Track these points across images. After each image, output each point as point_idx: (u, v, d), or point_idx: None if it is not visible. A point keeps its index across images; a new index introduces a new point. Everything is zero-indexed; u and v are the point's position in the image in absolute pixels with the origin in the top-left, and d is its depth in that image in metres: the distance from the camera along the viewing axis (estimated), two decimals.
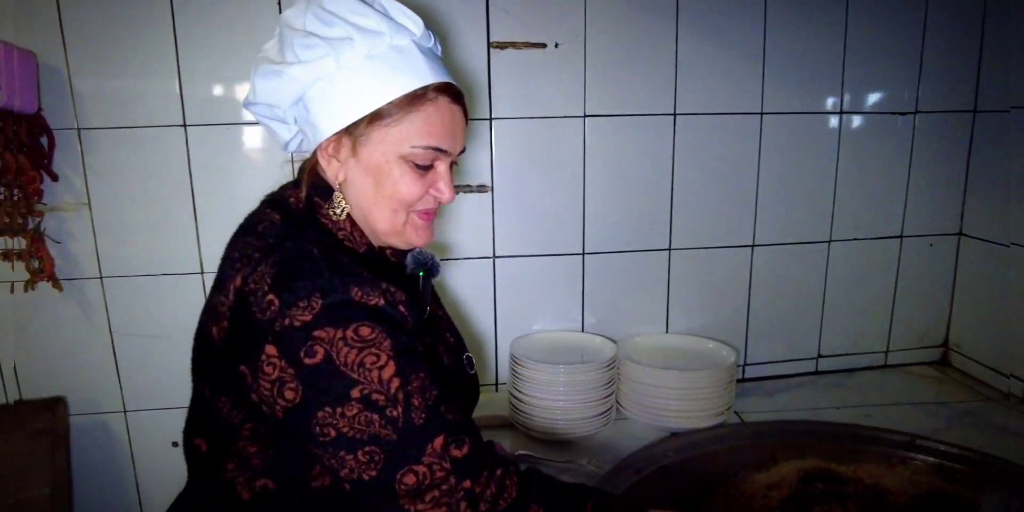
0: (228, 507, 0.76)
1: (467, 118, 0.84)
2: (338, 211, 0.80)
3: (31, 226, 1.28)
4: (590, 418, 1.29)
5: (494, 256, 1.45)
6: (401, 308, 0.74)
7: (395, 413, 0.67)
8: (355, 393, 0.66)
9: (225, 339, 0.73)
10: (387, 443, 0.66)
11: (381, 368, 0.67)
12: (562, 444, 1.27)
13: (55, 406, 1.33)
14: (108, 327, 1.36)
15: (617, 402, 1.38)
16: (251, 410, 0.72)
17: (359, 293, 0.70)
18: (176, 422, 0.85)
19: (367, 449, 0.66)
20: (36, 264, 1.29)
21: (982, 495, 1.07)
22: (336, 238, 0.80)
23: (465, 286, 1.45)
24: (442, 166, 0.82)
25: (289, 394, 0.68)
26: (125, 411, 1.39)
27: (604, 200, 1.45)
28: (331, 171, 0.81)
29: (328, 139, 0.79)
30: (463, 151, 0.85)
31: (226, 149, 1.33)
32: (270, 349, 0.68)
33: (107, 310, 1.35)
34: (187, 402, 0.84)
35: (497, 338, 1.48)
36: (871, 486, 1.13)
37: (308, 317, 0.67)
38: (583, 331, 1.50)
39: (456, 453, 0.68)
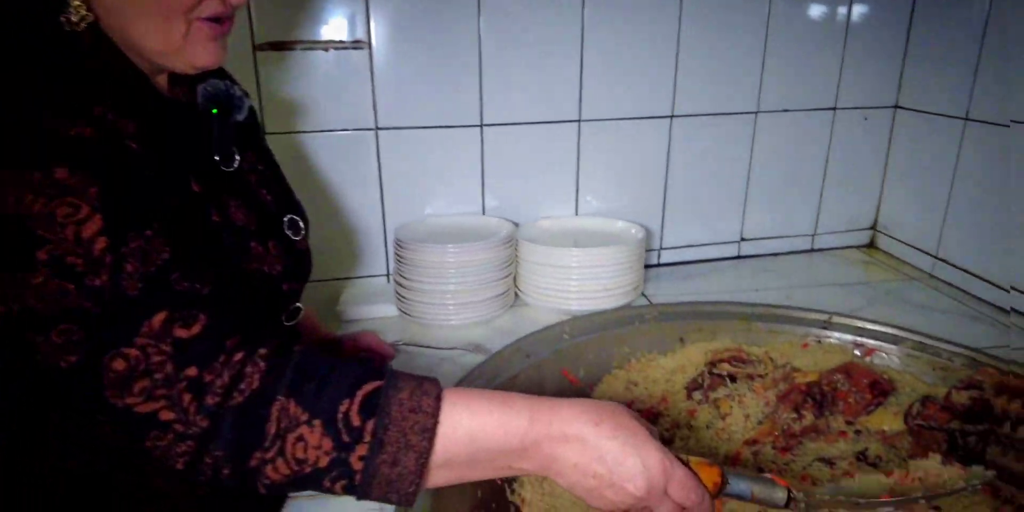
0: None
1: None
2: (75, 19, 0.58)
3: None
4: (483, 302, 1.16)
5: (376, 128, 1.25)
6: (133, 144, 0.56)
7: (98, 282, 0.50)
8: (42, 255, 0.50)
9: None
10: (88, 319, 0.50)
11: (80, 223, 0.50)
12: (454, 331, 1.15)
13: None
14: None
15: (516, 287, 1.25)
16: None
17: (53, 119, 0.51)
18: None
19: (62, 327, 0.50)
20: None
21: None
22: (74, 55, 0.59)
23: (342, 165, 1.26)
24: None
25: None
26: None
27: (505, 63, 1.25)
28: None
29: None
30: None
31: None
32: None
33: None
34: None
35: (386, 225, 1.31)
36: (781, 366, 1.04)
37: None
38: (484, 215, 1.35)
39: (181, 333, 0.52)
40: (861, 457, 0.81)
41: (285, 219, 0.76)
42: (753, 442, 0.88)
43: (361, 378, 0.54)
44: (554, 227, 1.32)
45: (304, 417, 0.52)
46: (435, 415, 0.53)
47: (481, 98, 1.27)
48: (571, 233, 1.29)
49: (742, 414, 0.94)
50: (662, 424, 0.94)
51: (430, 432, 0.53)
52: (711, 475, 0.59)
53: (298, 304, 0.79)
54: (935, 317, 1.20)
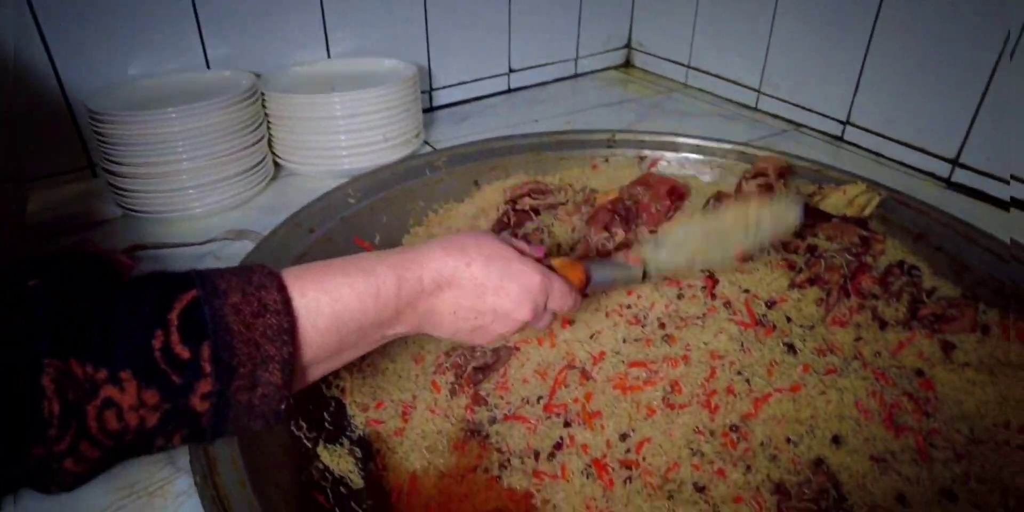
0: None
1: None
2: None
3: None
4: (234, 179, 0.94)
5: None
6: None
7: None
8: None
9: None
10: None
11: None
12: (203, 222, 0.92)
13: None
14: None
15: (273, 153, 1.03)
16: None
17: None
18: None
19: None
20: None
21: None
22: None
23: None
24: None
25: None
26: None
27: None
28: None
29: None
30: None
31: None
32: None
33: None
34: None
35: (66, 94, 0.97)
36: (580, 191, 1.02)
37: None
38: (209, 68, 1.06)
39: None
40: None
41: None
42: None
43: (163, 294, 0.36)
44: (308, 74, 1.09)
45: (102, 375, 0.33)
46: (288, 312, 0.40)
47: None
48: (329, 78, 1.07)
49: (553, 244, 0.91)
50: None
51: (288, 333, 0.39)
52: (577, 273, 0.59)
53: None
54: (698, 122, 1.26)
